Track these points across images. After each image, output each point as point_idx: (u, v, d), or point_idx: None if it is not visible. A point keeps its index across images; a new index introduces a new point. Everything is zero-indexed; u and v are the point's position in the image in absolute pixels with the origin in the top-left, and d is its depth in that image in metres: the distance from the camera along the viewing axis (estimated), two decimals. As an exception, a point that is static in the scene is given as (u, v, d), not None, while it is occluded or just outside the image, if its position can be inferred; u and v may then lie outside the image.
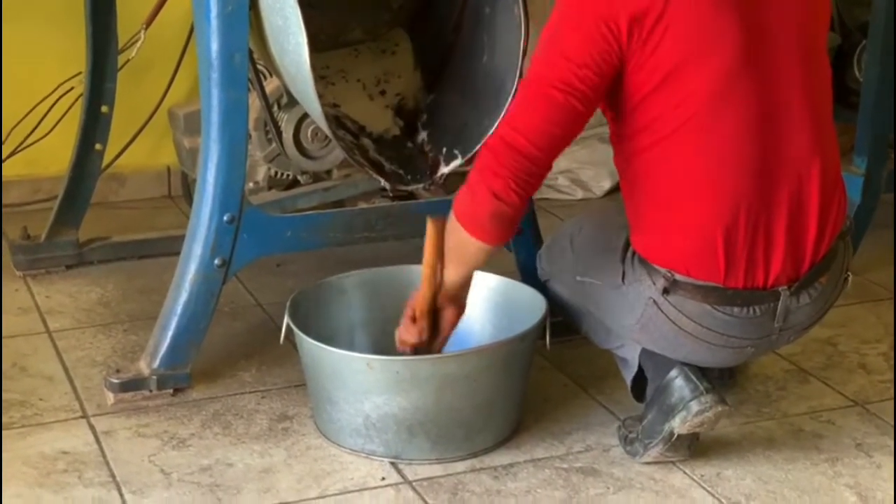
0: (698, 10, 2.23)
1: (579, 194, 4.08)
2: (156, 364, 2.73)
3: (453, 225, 2.34)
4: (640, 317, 2.41)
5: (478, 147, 2.69)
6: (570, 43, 2.25)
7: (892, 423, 2.68)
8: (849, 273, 2.47)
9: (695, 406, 2.39)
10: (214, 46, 2.60)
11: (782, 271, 2.34)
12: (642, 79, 2.26)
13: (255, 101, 3.09)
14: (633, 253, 2.41)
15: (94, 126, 3.35)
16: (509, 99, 2.64)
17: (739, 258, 2.31)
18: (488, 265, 2.84)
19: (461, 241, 2.33)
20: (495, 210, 2.28)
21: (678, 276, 2.34)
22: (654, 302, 2.37)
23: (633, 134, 2.34)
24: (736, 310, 2.35)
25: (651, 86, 2.26)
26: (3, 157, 3.76)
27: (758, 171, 2.29)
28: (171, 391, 2.75)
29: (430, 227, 2.43)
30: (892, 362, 2.96)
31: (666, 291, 2.35)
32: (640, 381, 2.55)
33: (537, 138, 2.27)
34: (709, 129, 2.27)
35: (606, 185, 4.06)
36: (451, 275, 2.41)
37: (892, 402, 2.77)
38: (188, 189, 3.75)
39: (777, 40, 2.29)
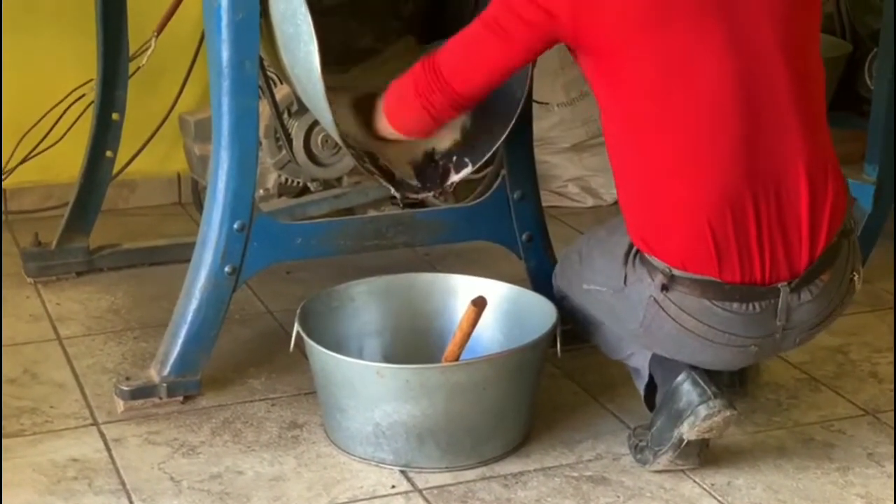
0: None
1: (589, 202, 4.07)
2: (166, 371, 2.73)
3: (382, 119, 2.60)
4: (643, 318, 2.41)
5: (488, 156, 2.68)
6: (514, 21, 2.37)
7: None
8: (854, 273, 2.46)
9: (703, 410, 2.39)
10: (225, 54, 2.61)
11: (779, 266, 2.34)
12: (603, 66, 2.32)
13: (265, 109, 3.09)
14: (634, 254, 2.41)
15: (104, 133, 3.35)
16: (519, 107, 2.64)
17: (731, 248, 2.31)
18: (498, 273, 2.86)
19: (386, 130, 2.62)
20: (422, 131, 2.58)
21: (675, 272, 2.34)
22: (655, 300, 2.37)
23: (612, 122, 2.38)
24: (735, 305, 2.35)
25: (614, 72, 2.31)
26: (16, 164, 3.77)
27: (737, 154, 2.30)
28: (180, 399, 2.75)
29: (470, 309, 2.53)
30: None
31: (665, 288, 2.35)
32: (652, 391, 2.54)
33: (476, 98, 2.50)
34: (679, 109, 2.29)
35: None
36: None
37: (903, 411, 2.77)
38: (199, 196, 3.75)
39: (754, 37, 2.30)
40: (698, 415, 2.40)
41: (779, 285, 2.35)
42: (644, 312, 2.40)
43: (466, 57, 2.46)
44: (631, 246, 2.43)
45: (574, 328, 2.66)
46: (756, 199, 2.31)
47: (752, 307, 2.35)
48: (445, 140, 2.73)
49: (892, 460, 2.58)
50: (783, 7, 2.34)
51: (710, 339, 2.39)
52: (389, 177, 2.73)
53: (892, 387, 2.88)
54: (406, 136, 2.60)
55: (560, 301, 2.68)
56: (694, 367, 2.44)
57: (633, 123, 2.34)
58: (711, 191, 2.30)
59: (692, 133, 2.31)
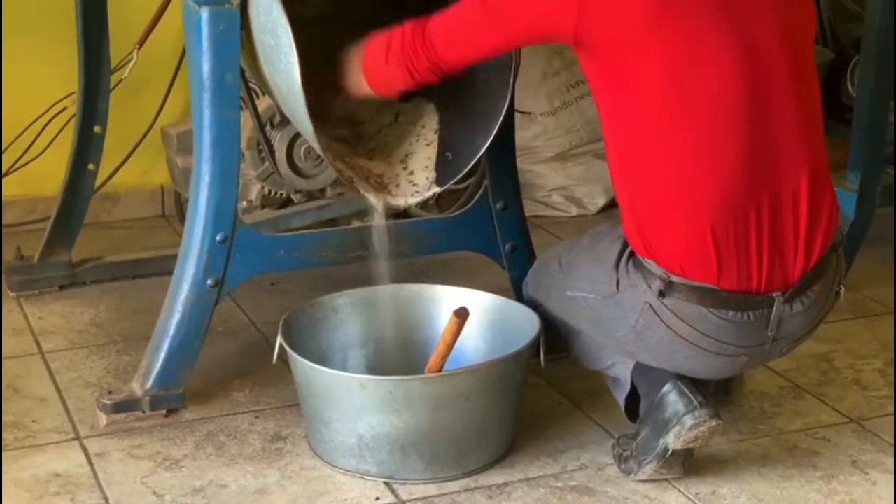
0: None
1: (574, 211, 4.07)
2: (148, 385, 2.72)
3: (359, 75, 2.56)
4: (635, 324, 2.40)
5: (470, 166, 2.68)
6: (514, 11, 2.35)
7: (892, 440, 2.67)
8: (841, 286, 2.47)
9: (689, 420, 2.39)
10: (206, 66, 2.60)
11: (775, 275, 2.35)
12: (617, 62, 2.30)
13: (247, 121, 3.09)
14: (628, 260, 2.41)
15: (87, 146, 3.35)
16: (501, 117, 2.64)
17: (731, 253, 2.31)
18: (482, 284, 2.85)
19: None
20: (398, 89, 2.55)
21: (674, 278, 2.34)
22: (651, 306, 2.37)
23: (615, 122, 2.35)
24: (731, 314, 2.35)
25: (620, 71, 2.29)
26: (-2, 177, 3.77)
27: (741, 159, 2.29)
28: (163, 412, 2.74)
29: (452, 319, 2.52)
30: (890, 378, 2.95)
31: (662, 294, 2.35)
32: (633, 401, 2.54)
33: (460, 69, 2.47)
34: (687, 110, 2.28)
35: (601, 201, 4.06)
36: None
37: (887, 418, 2.77)
38: (182, 209, 3.75)
39: (762, 44, 2.30)
40: (684, 425, 2.39)
41: (773, 295, 2.36)
42: (637, 318, 2.39)
43: (459, 31, 2.42)
44: (622, 252, 2.43)
45: (549, 339, 2.64)
46: (758, 206, 2.31)
47: (746, 316, 2.35)
48: (419, 158, 2.73)
49: (877, 468, 2.58)
50: (786, 11, 2.33)
51: (702, 347, 2.38)
52: (371, 187, 2.73)
53: (876, 394, 2.88)
54: (379, 92, 2.57)
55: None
56: (680, 377, 2.44)
57: (640, 124, 2.32)
58: (715, 194, 2.30)
59: (699, 135, 2.29)
